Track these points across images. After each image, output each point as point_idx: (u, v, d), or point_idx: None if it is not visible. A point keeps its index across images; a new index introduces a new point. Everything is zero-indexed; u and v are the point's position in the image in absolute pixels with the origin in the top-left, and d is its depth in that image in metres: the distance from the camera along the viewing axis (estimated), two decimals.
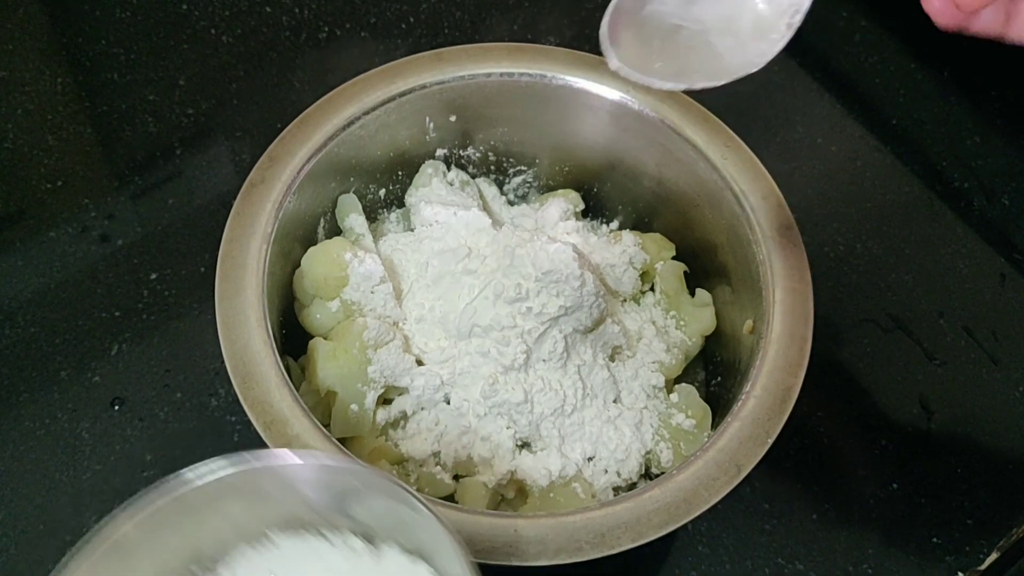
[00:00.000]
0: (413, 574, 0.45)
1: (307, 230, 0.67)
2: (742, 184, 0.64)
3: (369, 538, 0.46)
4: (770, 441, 0.55)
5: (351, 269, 0.63)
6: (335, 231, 0.69)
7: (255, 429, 0.63)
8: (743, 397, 0.56)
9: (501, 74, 0.68)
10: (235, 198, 0.62)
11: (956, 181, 0.87)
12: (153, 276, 0.75)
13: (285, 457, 0.42)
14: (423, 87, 0.67)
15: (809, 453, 0.70)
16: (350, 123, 0.65)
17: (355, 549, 0.46)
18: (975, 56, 0.95)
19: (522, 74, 0.68)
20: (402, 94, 0.67)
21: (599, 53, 0.70)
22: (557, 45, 0.72)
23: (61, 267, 0.75)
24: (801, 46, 0.94)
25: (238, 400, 0.57)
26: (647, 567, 0.66)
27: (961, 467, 0.71)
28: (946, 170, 0.87)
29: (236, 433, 0.68)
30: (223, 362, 0.66)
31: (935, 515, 0.69)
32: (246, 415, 0.67)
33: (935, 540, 0.68)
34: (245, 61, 0.90)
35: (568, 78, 0.68)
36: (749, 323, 0.62)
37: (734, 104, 0.69)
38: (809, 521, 0.68)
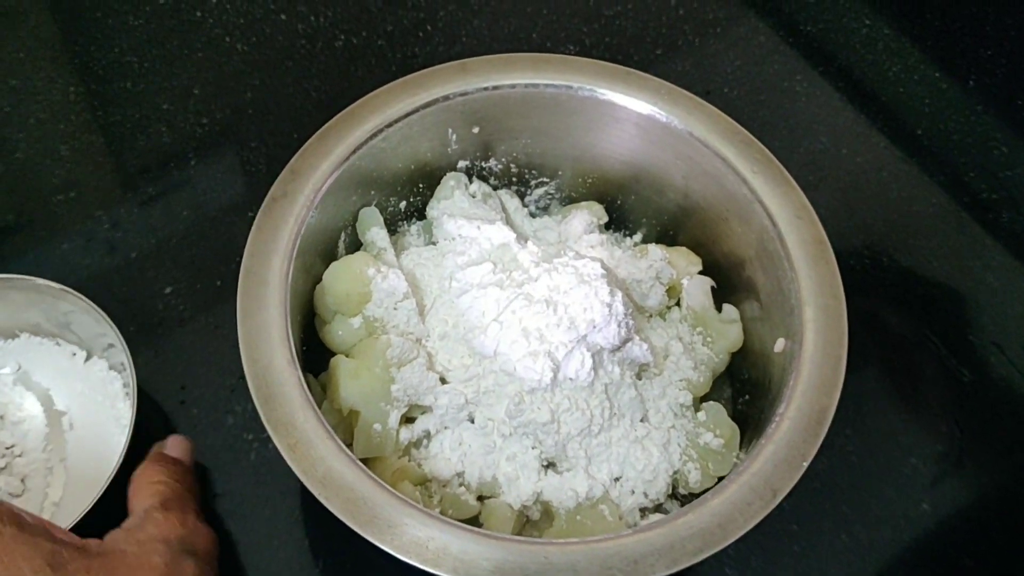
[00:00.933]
0: (107, 378, 0.66)
1: (328, 244, 0.66)
2: (773, 199, 0.63)
3: (89, 352, 0.67)
4: (805, 465, 0.53)
5: (374, 285, 0.61)
6: (356, 245, 0.68)
7: (273, 446, 0.62)
8: (776, 419, 0.55)
9: (526, 85, 0.67)
10: (251, 209, 0.61)
11: (984, 192, 0.85)
12: (168, 289, 0.74)
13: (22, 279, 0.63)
14: (446, 98, 0.66)
15: (838, 473, 0.69)
16: (373, 135, 0.64)
17: (74, 355, 0.67)
18: (1001, 64, 0.94)
19: (547, 85, 0.67)
20: (425, 106, 0.66)
21: (622, 63, 0.69)
22: (577, 53, 0.71)
23: (74, 279, 0.73)
24: (824, 55, 0.93)
25: (255, 417, 0.55)
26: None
27: (993, 486, 0.70)
28: (973, 181, 0.86)
29: (254, 451, 0.67)
30: (240, 378, 0.65)
31: (967, 536, 0.68)
32: (263, 432, 0.66)
33: (967, 562, 0.66)
34: (260, 70, 0.89)
35: (595, 89, 0.67)
36: (781, 341, 0.61)
37: (757, 114, 0.67)
38: (838, 542, 0.67)
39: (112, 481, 0.57)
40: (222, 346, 0.71)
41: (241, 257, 0.57)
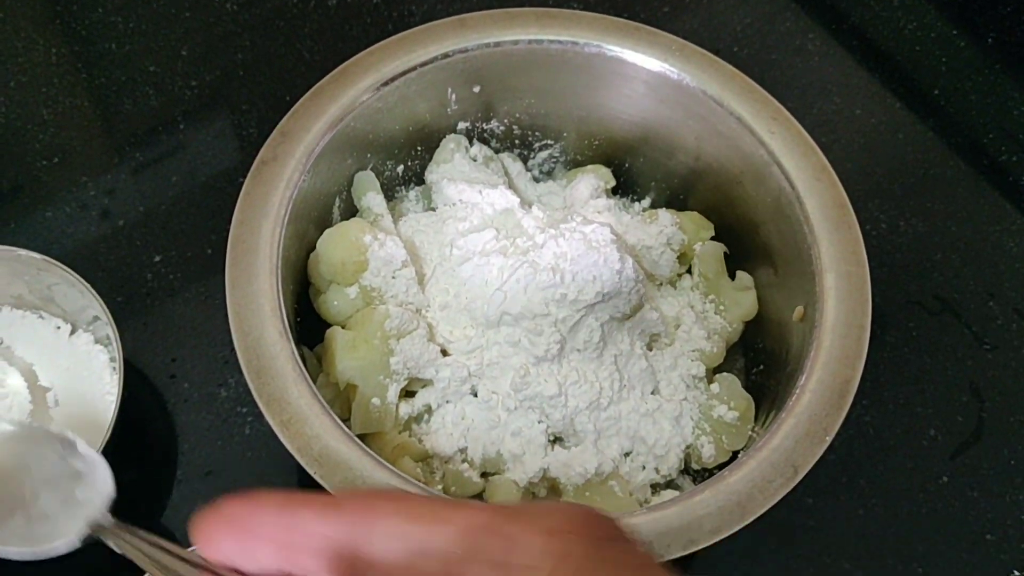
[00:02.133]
0: (93, 352, 0.63)
1: (322, 210, 0.63)
2: (791, 160, 0.60)
3: (74, 325, 0.64)
4: (828, 439, 0.51)
5: (371, 253, 0.59)
6: (351, 211, 0.65)
7: (267, 422, 0.60)
8: (797, 391, 0.52)
9: (529, 41, 0.64)
10: (243, 175, 0.58)
11: (1003, 155, 0.82)
12: (157, 258, 0.71)
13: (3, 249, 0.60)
14: (445, 56, 0.63)
15: (854, 445, 0.67)
16: (367, 95, 0.61)
17: (59, 328, 0.64)
18: (1021, 22, 0.91)
19: (552, 41, 0.64)
20: (423, 64, 0.62)
21: (632, 18, 0.66)
22: (583, 9, 0.67)
23: (59, 248, 0.71)
24: (836, 12, 0.89)
25: (249, 390, 0.53)
26: (684, 567, 0.62)
27: (1015, 458, 0.68)
28: (992, 143, 0.83)
29: (248, 425, 0.65)
30: (232, 350, 0.62)
31: (988, 510, 0.65)
32: (257, 406, 0.64)
33: (989, 537, 0.64)
34: (251, 30, 0.85)
35: (602, 45, 0.64)
36: (799, 309, 0.58)
37: (767, 74, 0.64)
38: (855, 517, 0.64)
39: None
40: (214, 317, 0.68)
41: (232, 224, 0.55)
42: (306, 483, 0.62)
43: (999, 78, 0.87)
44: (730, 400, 0.60)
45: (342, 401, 0.58)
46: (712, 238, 0.67)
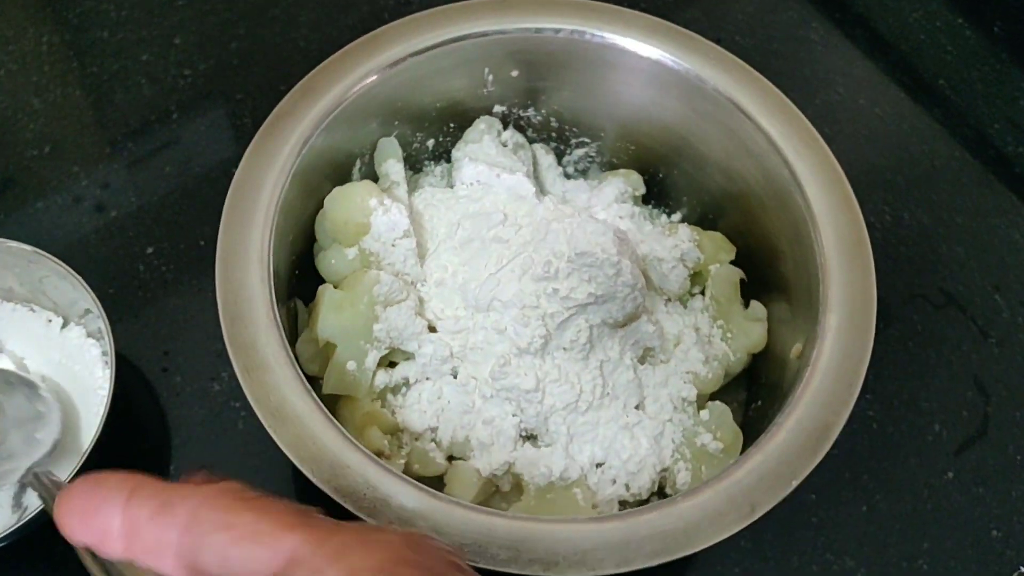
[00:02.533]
0: (85, 346, 0.62)
1: (340, 169, 0.63)
2: (815, 187, 0.57)
3: (65, 319, 0.63)
4: (795, 483, 0.48)
5: (375, 217, 0.58)
6: (372, 176, 0.65)
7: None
8: (773, 428, 0.50)
9: (571, 31, 0.62)
10: (237, 165, 0.57)
11: (1009, 146, 0.80)
12: (149, 250, 0.70)
13: None
14: (483, 34, 0.62)
15: (858, 439, 0.65)
16: (395, 63, 0.61)
17: (51, 321, 0.64)
18: None
19: (593, 35, 0.62)
20: (457, 39, 0.62)
21: (635, 6, 0.64)
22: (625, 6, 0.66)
23: (50, 240, 0.70)
24: (839, 1, 0.88)
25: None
26: (684, 564, 0.61)
27: (1021, 454, 0.66)
28: (998, 134, 0.81)
29: (241, 420, 0.64)
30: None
31: (994, 506, 0.64)
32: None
33: (995, 533, 0.63)
34: (246, 18, 0.84)
35: (641, 46, 0.62)
36: (798, 346, 0.56)
37: (770, 64, 0.63)
38: (859, 513, 0.63)
39: (89, 454, 0.54)
40: (207, 309, 0.67)
41: None
42: (302, 478, 0.62)
43: (1005, 68, 0.85)
44: (717, 430, 0.58)
45: (321, 360, 0.57)
46: (733, 263, 0.65)
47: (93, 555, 0.46)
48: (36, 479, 0.53)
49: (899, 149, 0.80)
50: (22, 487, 0.58)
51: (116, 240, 0.71)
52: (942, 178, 0.78)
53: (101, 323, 0.58)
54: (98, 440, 0.55)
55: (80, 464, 0.54)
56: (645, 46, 0.62)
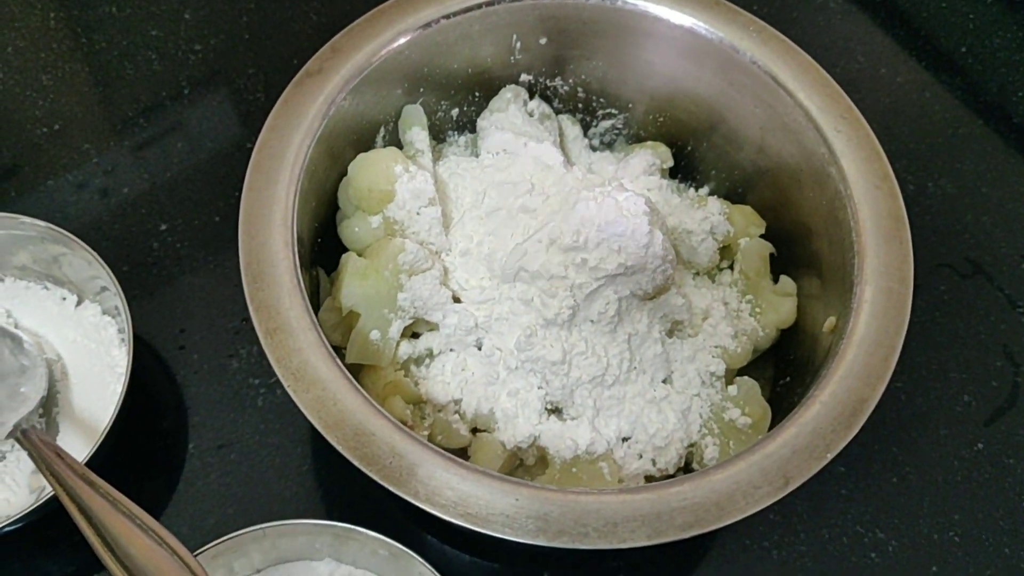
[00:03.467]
0: (101, 324, 0.62)
1: (364, 136, 0.61)
2: (853, 163, 0.56)
3: (80, 296, 0.63)
4: (829, 457, 0.47)
5: (399, 184, 0.57)
6: (396, 143, 0.64)
7: (281, 392, 0.58)
8: (807, 401, 0.49)
9: None
10: (249, 140, 0.56)
11: None
12: (163, 227, 0.69)
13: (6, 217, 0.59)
14: None
15: (886, 411, 0.64)
16: (427, 25, 0.59)
17: (64, 299, 0.63)
18: None
19: (626, 3, 0.61)
20: (489, 3, 0.60)
21: None
22: None
23: (62, 218, 0.69)
24: None
25: (261, 360, 0.51)
26: (712, 538, 0.60)
27: None
28: (1022, 101, 0.80)
29: (260, 397, 0.63)
30: (243, 319, 0.61)
31: None
32: (271, 377, 0.62)
33: None
34: None
35: (676, 14, 0.61)
36: (831, 320, 0.55)
37: (788, 32, 0.61)
38: (889, 485, 0.62)
39: (108, 432, 0.53)
40: (223, 286, 0.66)
41: (240, 190, 0.53)
42: (321, 453, 0.61)
43: None
44: (746, 405, 0.57)
45: (344, 329, 0.57)
46: (764, 237, 0.63)
47: (89, 520, 0.46)
48: (25, 436, 0.52)
49: (921, 118, 0.79)
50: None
51: (129, 217, 0.70)
52: (966, 147, 0.77)
53: (118, 301, 0.57)
54: (116, 419, 0.54)
55: (99, 444, 0.53)
56: (679, 15, 0.61)
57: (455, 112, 0.67)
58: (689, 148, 0.68)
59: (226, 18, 0.81)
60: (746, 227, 0.63)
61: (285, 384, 0.47)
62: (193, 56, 0.78)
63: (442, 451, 0.46)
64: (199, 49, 0.79)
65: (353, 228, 0.59)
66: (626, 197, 0.53)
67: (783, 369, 0.62)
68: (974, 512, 0.62)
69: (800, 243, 0.61)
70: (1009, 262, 0.71)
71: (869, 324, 0.51)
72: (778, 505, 0.51)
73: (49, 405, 0.60)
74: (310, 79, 0.56)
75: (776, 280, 0.62)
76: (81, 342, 0.62)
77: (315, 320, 0.49)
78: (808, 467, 0.47)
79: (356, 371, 0.56)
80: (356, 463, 0.45)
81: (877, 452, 0.63)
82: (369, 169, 0.58)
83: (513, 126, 0.63)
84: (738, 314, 0.61)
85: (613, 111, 0.69)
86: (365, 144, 0.62)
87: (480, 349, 0.57)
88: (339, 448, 0.45)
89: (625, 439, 0.56)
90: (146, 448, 0.62)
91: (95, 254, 0.58)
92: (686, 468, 0.58)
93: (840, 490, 0.62)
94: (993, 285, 0.70)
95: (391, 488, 0.44)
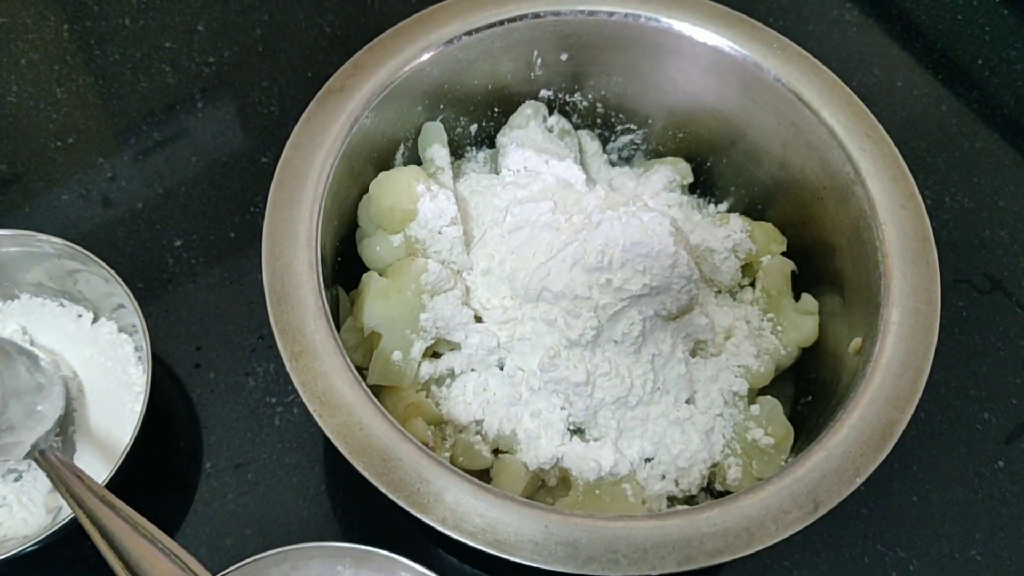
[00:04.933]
0: (117, 342, 0.61)
1: (384, 154, 0.61)
2: (878, 183, 0.56)
3: (96, 313, 0.62)
4: (858, 481, 0.47)
5: (421, 203, 0.57)
6: (415, 161, 0.63)
7: (299, 410, 0.58)
8: (835, 424, 0.49)
9: (626, 15, 0.61)
10: (263, 154, 0.56)
11: None
12: (178, 243, 0.69)
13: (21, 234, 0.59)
14: (536, 16, 0.61)
15: (906, 430, 0.64)
16: (449, 42, 0.59)
17: (80, 316, 0.63)
18: None
19: (649, 19, 0.61)
20: (512, 20, 0.60)
21: (732, 6, 0.62)
22: None
23: (75, 233, 0.69)
24: None
25: (278, 379, 0.51)
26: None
27: None
28: None
29: (278, 416, 0.62)
30: (260, 337, 0.60)
31: None
32: (288, 395, 0.62)
33: None
34: (270, 3, 0.82)
35: (699, 31, 0.61)
36: (857, 341, 0.54)
37: (804, 46, 0.61)
38: (909, 504, 0.62)
39: (129, 451, 0.53)
40: (239, 302, 0.66)
41: (255, 205, 0.52)
42: (338, 473, 0.60)
43: None
44: (769, 425, 0.56)
45: (365, 349, 0.56)
46: (784, 254, 0.63)
47: (109, 543, 0.46)
48: (43, 456, 0.52)
49: (938, 131, 0.78)
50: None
51: (143, 232, 0.69)
52: (983, 160, 0.77)
53: (135, 318, 0.57)
54: (136, 438, 0.54)
55: (119, 464, 0.53)
56: (703, 31, 0.61)
57: (474, 128, 0.66)
58: (708, 164, 0.67)
59: (239, 30, 0.80)
60: (768, 244, 0.62)
61: (311, 409, 0.46)
62: (206, 68, 0.78)
63: (469, 476, 0.46)
64: (212, 61, 0.78)
65: (374, 247, 0.58)
66: (651, 217, 0.52)
67: (804, 388, 0.61)
68: (995, 531, 0.61)
69: (821, 261, 0.61)
70: None
71: (896, 346, 0.51)
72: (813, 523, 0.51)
73: (66, 423, 0.59)
74: (332, 96, 0.56)
75: (798, 298, 0.62)
76: (97, 360, 0.61)
77: (340, 343, 0.49)
78: (838, 491, 0.47)
79: (377, 392, 0.55)
80: (384, 490, 0.44)
81: (897, 471, 0.63)
82: (391, 188, 0.57)
83: (533, 142, 0.63)
84: (760, 332, 0.60)
85: (632, 126, 0.68)
86: (385, 162, 0.61)
87: (502, 369, 0.57)
88: (366, 475, 0.45)
89: (648, 460, 0.56)
90: (162, 467, 0.61)
91: (111, 271, 0.58)
92: (708, 488, 0.58)
93: (860, 509, 0.62)
94: (1012, 301, 0.70)
95: (419, 515, 0.44)
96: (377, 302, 0.54)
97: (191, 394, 0.63)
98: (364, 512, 0.60)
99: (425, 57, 0.59)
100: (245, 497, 0.60)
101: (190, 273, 0.67)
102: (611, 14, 0.61)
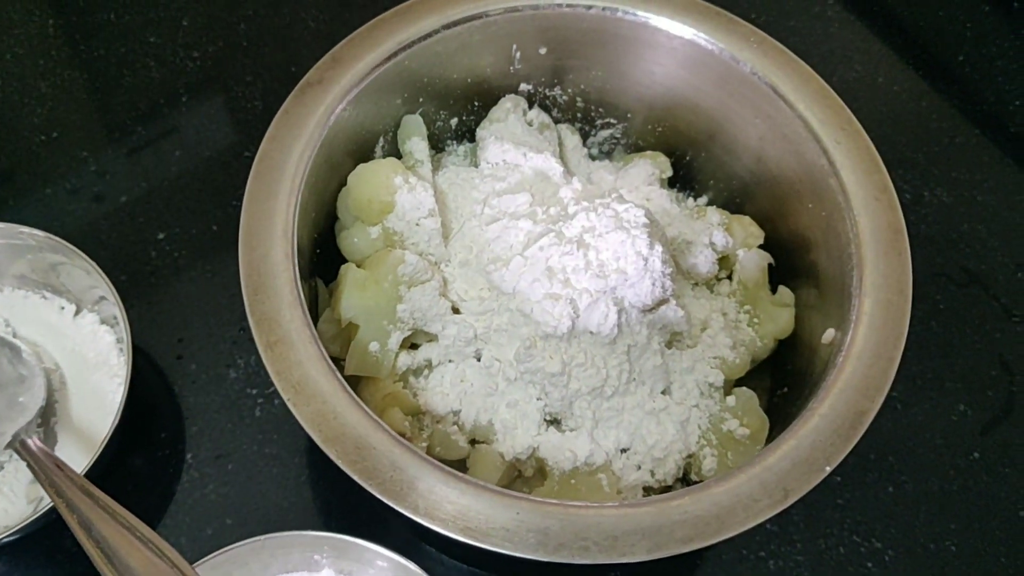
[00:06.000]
0: (99, 333, 0.62)
1: (363, 146, 0.61)
2: (852, 175, 0.56)
3: (78, 306, 0.63)
4: (828, 469, 0.47)
5: (399, 195, 0.57)
6: (395, 153, 0.64)
7: (279, 403, 0.58)
8: (806, 413, 0.49)
9: (603, 8, 0.61)
10: (248, 148, 0.56)
11: None
12: (161, 236, 0.69)
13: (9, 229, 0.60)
14: (515, 9, 0.61)
15: (882, 421, 0.63)
16: (427, 36, 0.60)
17: (63, 308, 0.63)
18: None
19: (626, 12, 0.61)
20: (490, 14, 0.60)
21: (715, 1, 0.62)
22: None
23: (59, 227, 0.69)
24: None
25: (259, 371, 0.51)
26: (709, 547, 0.60)
27: None
28: (1019, 110, 0.80)
29: (258, 407, 0.63)
30: (241, 329, 0.61)
31: (1021, 486, 0.63)
32: (268, 387, 0.62)
33: (1023, 513, 0.62)
34: None
35: (676, 25, 0.61)
36: (830, 332, 0.55)
37: (786, 41, 0.61)
38: (885, 495, 0.63)
39: (107, 443, 0.53)
40: (221, 294, 0.66)
41: (238, 199, 0.53)
42: (319, 464, 0.61)
43: None
44: (744, 416, 0.57)
45: (343, 340, 0.57)
46: (761, 247, 0.63)
47: (88, 532, 0.46)
48: (23, 447, 0.53)
49: (918, 127, 0.79)
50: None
51: (126, 226, 0.70)
52: (962, 156, 0.77)
53: (116, 310, 0.57)
54: (116, 429, 0.54)
55: (98, 454, 0.53)
56: (680, 25, 0.61)
57: (454, 121, 0.67)
58: (688, 157, 0.68)
59: (224, 25, 0.80)
60: (745, 238, 0.63)
61: (285, 397, 0.47)
62: (191, 63, 0.78)
63: (442, 465, 0.46)
64: (197, 56, 0.79)
65: (352, 239, 0.59)
66: (626, 208, 0.53)
67: (781, 379, 0.62)
68: (970, 522, 0.62)
69: (798, 253, 0.61)
70: (1005, 271, 0.71)
71: (868, 337, 0.51)
72: (775, 515, 0.51)
73: (47, 415, 0.60)
74: (311, 89, 0.56)
75: (774, 290, 0.62)
76: (79, 351, 0.62)
77: (315, 333, 0.49)
78: (807, 480, 0.47)
79: (355, 382, 0.56)
80: (356, 477, 0.45)
81: (873, 462, 0.63)
82: (369, 180, 0.58)
83: (512, 136, 0.63)
84: (736, 325, 0.61)
85: (612, 120, 0.69)
86: (364, 154, 0.62)
87: (479, 360, 0.57)
88: (338, 462, 0.45)
89: (624, 450, 0.56)
90: (144, 458, 0.61)
91: (93, 263, 0.58)
92: (684, 479, 0.58)
93: (837, 500, 0.62)
94: (989, 294, 0.71)
95: (390, 503, 0.44)
96: (354, 293, 0.55)
97: (173, 385, 0.64)
98: (344, 502, 0.60)
99: (403, 50, 0.59)
100: (226, 487, 0.60)
101: (173, 266, 0.68)
102: (588, 8, 0.61)
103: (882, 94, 0.80)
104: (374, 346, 0.55)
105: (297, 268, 0.51)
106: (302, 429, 0.46)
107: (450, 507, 0.45)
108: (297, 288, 0.50)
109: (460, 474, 0.46)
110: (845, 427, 0.49)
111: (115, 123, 0.75)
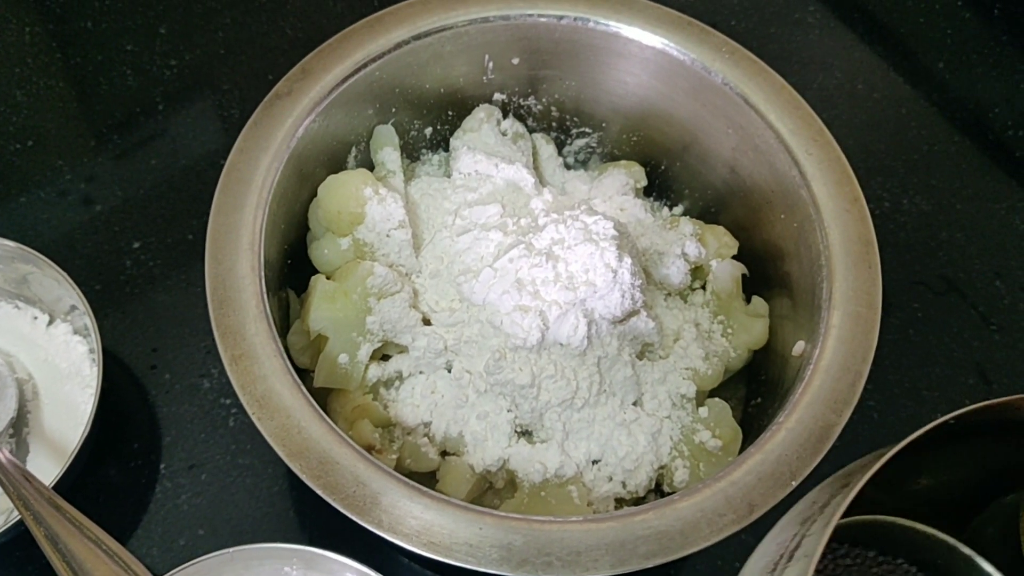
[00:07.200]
0: (71, 343, 0.62)
1: (335, 157, 0.61)
2: (823, 186, 0.56)
3: (51, 316, 0.63)
4: (794, 484, 0.47)
5: (369, 207, 0.57)
6: (368, 164, 0.63)
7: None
8: (773, 427, 0.49)
9: (575, 19, 0.61)
10: (224, 157, 0.56)
11: (1009, 130, 0.79)
12: (136, 245, 0.69)
13: None
14: (485, 20, 0.61)
15: (859, 430, 0.64)
16: (398, 46, 0.59)
17: (36, 318, 0.63)
18: None
19: (598, 23, 0.61)
20: (460, 24, 0.60)
21: (670, 5, 0.62)
22: None
23: (34, 236, 0.69)
24: None
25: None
26: (683, 559, 0.60)
27: None
28: (998, 118, 0.80)
29: (232, 417, 0.63)
30: (215, 340, 0.60)
31: None
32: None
33: None
34: (232, 7, 0.82)
35: (647, 35, 0.61)
36: (800, 344, 0.54)
37: (766, 48, 0.61)
38: None
39: (78, 453, 0.53)
40: (196, 305, 0.66)
41: None
42: (290, 479, 0.61)
43: (1005, 51, 0.84)
44: (716, 428, 0.57)
45: (313, 352, 0.56)
46: (735, 258, 0.63)
47: (54, 545, 0.46)
48: None
49: (897, 134, 0.79)
50: None
51: (101, 235, 0.70)
52: (941, 163, 0.77)
53: (87, 320, 0.57)
54: (86, 439, 0.54)
55: (69, 464, 0.53)
56: (651, 36, 0.61)
57: (428, 131, 0.66)
58: (663, 167, 0.68)
59: (202, 33, 0.80)
60: (719, 248, 0.62)
61: (250, 412, 0.47)
62: (168, 71, 0.78)
63: (407, 480, 0.46)
64: (174, 64, 0.78)
65: (323, 250, 0.58)
66: (595, 221, 0.53)
67: (755, 389, 0.61)
68: None
69: (772, 264, 0.61)
70: (983, 280, 0.71)
71: (836, 350, 0.51)
72: (749, 525, 0.51)
73: (19, 425, 0.60)
74: (279, 101, 0.56)
75: (748, 301, 0.62)
76: (52, 362, 0.62)
77: (280, 346, 0.49)
78: (773, 495, 0.47)
79: (324, 394, 0.56)
80: (320, 492, 0.45)
81: None
82: (338, 191, 0.57)
83: (486, 146, 0.63)
84: (710, 335, 0.61)
85: (587, 130, 0.68)
86: (336, 164, 0.61)
87: (450, 372, 0.57)
88: (302, 476, 0.45)
89: (595, 462, 0.56)
90: (117, 468, 0.61)
91: (64, 273, 0.58)
92: (657, 491, 0.58)
93: None
94: (967, 303, 0.70)
95: (354, 517, 0.44)
96: (323, 305, 0.55)
97: (147, 395, 0.64)
98: (317, 514, 0.60)
99: (373, 61, 0.59)
100: (199, 498, 0.60)
101: (148, 275, 0.68)
102: (560, 18, 0.61)
103: (861, 101, 0.80)
104: (343, 358, 0.55)
105: (264, 281, 0.51)
106: None
107: (414, 522, 0.44)
108: (263, 301, 0.50)
109: (425, 488, 0.46)
110: (812, 441, 0.48)
111: (91, 132, 0.75)
